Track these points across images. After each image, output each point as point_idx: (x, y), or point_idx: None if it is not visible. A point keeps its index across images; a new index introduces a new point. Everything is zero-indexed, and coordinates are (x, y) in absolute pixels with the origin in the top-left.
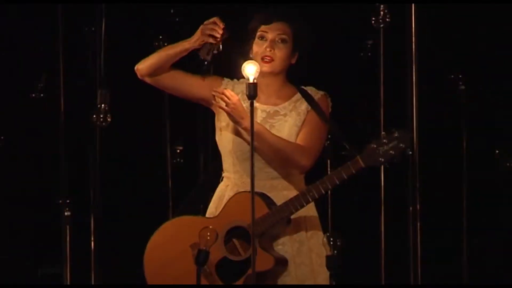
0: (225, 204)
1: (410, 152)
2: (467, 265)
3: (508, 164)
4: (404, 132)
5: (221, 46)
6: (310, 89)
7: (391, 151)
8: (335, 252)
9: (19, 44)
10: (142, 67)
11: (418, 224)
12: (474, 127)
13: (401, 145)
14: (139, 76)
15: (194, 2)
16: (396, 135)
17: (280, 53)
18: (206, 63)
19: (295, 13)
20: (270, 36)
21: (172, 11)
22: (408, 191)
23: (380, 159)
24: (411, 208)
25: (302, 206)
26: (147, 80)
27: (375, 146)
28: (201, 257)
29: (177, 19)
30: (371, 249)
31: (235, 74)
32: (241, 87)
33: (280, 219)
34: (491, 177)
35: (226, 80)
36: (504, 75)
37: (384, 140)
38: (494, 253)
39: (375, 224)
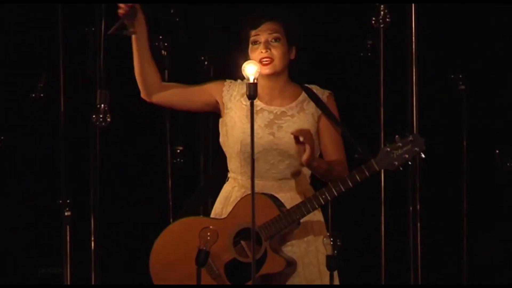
0: (234, 206)
1: (424, 156)
2: (467, 265)
3: (508, 164)
4: (419, 136)
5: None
6: (316, 88)
7: (405, 155)
8: (335, 252)
9: (19, 44)
10: (141, 89)
11: (418, 224)
12: (474, 127)
13: (416, 149)
14: (148, 100)
15: (194, 2)
16: (410, 138)
17: (277, 52)
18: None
19: (281, 10)
20: (262, 38)
21: (172, 11)
22: (408, 191)
23: (395, 162)
24: (411, 208)
25: (315, 209)
26: (154, 100)
27: (389, 149)
28: (201, 257)
29: (177, 19)
30: (371, 249)
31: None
32: (244, 87)
33: (292, 222)
34: (491, 177)
35: (228, 81)
36: (504, 75)
37: (399, 144)
38: (494, 253)
39: (375, 224)
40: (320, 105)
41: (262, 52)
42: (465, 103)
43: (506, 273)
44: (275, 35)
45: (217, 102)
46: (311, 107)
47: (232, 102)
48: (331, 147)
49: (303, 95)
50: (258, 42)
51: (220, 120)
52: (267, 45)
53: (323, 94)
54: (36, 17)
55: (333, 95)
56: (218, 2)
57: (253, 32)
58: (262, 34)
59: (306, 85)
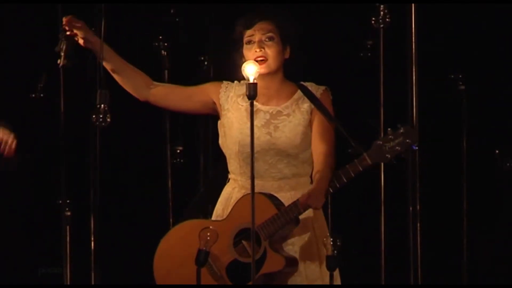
0: (233, 206)
1: (416, 148)
2: (467, 265)
3: (508, 164)
4: (410, 128)
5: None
6: (311, 85)
7: (397, 147)
8: (335, 252)
9: (19, 44)
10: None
11: (418, 224)
12: (474, 127)
13: (407, 140)
14: (142, 100)
15: (194, 2)
16: (402, 131)
17: (271, 51)
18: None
19: (274, 9)
20: (256, 38)
21: (172, 11)
22: (408, 191)
23: (387, 155)
24: (411, 208)
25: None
26: (150, 99)
27: (381, 142)
28: (200, 257)
29: (177, 19)
30: (371, 249)
31: (236, 77)
32: (241, 88)
33: (289, 220)
34: (491, 177)
35: (225, 83)
36: (504, 75)
37: (390, 137)
38: (494, 253)
39: (375, 224)
40: (313, 101)
41: (256, 51)
42: (465, 103)
43: (506, 273)
44: (269, 34)
45: (214, 103)
46: (306, 104)
47: (229, 103)
48: (319, 137)
49: (298, 93)
50: (252, 42)
51: (219, 122)
52: (261, 45)
53: (318, 90)
54: (36, 17)
55: (329, 90)
56: (218, 2)
57: (247, 32)
58: (256, 33)
59: (302, 82)
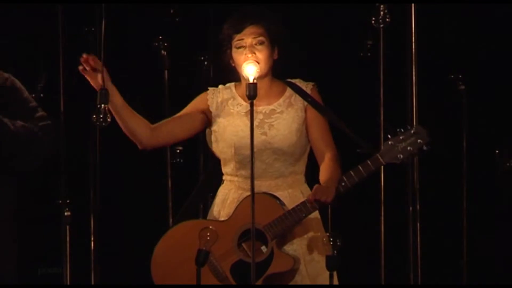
0: (237, 207)
1: (425, 148)
2: (467, 265)
3: (508, 164)
4: (421, 128)
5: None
6: (299, 81)
7: (409, 147)
8: (335, 252)
9: (19, 44)
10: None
11: (418, 224)
12: (474, 127)
13: (419, 141)
14: (147, 149)
15: (194, 2)
16: (413, 131)
17: (262, 55)
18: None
19: (262, 12)
20: (247, 42)
21: (172, 11)
22: (408, 191)
23: (399, 155)
24: (411, 208)
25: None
26: (154, 146)
27: (392, 143)
28: (200, 257)
29: (177, 19)
30: (371, 249)
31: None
32: (228, 92)
33: (298, 220)
34: (491, 177)
35: (211, 89)
36: (504, 75)
37: (402, 137)
38: (494, 253)
39: (375, 224)
40: (305, 98)
41: (248, 55)
42: (465, 103)
43: (506, 273)
44: (260, 38)
45: (207, 114)
46: (298, 101)
47: (218, 108)
48: (321, 139)
49: (289, 90)
50: (242, 46)
51: (207, 130)
52: (252, 49)
53: (307, 86)
54: (36, 17)
55: (317, 86)
56: (218, 2)
57: (236, 36)
58: (246, 38)
59: (289, 80)
